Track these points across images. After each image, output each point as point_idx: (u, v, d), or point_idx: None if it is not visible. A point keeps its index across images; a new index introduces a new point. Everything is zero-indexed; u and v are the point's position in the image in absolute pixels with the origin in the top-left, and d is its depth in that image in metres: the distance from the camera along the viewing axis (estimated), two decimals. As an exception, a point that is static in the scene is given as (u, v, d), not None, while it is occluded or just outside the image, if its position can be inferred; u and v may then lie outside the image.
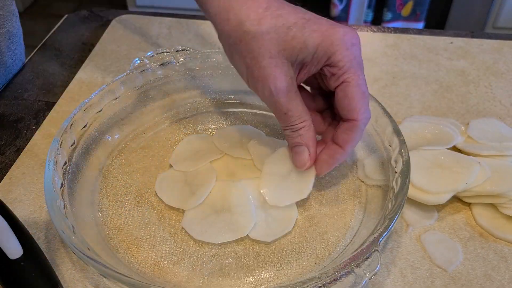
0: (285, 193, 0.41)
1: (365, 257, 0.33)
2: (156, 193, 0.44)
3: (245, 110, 0.53)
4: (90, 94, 0.46)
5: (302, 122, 0.39)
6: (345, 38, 0.36)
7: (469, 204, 0.43)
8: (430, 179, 0.42)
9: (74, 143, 0.43)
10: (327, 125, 0.42)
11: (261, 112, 0.52)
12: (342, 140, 0.39)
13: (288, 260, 0.39)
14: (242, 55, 0.38)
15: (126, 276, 0.32)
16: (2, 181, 0.45)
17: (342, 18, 1.56)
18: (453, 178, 0.42)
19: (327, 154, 0.40)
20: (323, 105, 0.43)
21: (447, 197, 0.41)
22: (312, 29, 0.36)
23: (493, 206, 0.42)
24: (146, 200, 0.44)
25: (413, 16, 1.58)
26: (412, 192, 0.42)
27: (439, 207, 0.43)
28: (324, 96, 0.43)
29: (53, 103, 0.54)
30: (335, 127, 0.40)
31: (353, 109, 0.37)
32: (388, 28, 0.68)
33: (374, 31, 0.67)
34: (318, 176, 0.41)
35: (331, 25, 0.37)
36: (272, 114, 0.52)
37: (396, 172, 0.39)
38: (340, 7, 1.54)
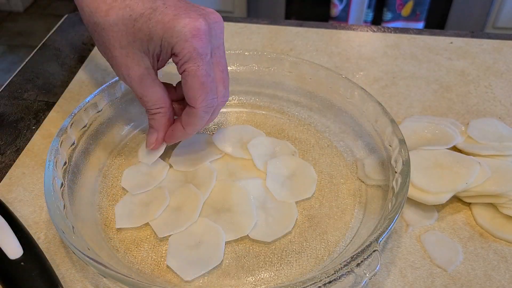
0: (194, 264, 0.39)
1: (365, 257, 0.33)
2: (156, 193, 0.44)
3: (245, 110, 0.53)
4: (90, 94, 0.46)
5: (157, 108, 0.42)
6: (185, 29, 0.37)
7: (469, 204, 0.43)
8: (430, 179, 0.42)
9: (74, 143, 0.43)
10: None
11: (261, 112, 0.52)
12: (184, 121, 0.41)
13: (288, 260, 0.39)
14: (99, 44, 0.40)
15: (126, 276, 0.32)
16: (2, 181, 0.45)
17: (342, 18, 1.56)
18: (453, 178, 0.42)
19: (171, 129, 0.43)
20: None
21: (447, 197, 0.41)
22: (156, 21, 0.37)
23: (493, 206, 0.42)
24: (146, 200, 0.43)
25: (413, 16, 1.58)
26: (412, 192, 0.42)
27: (439, 207, 0.43)
28: None
29: (53, 103, 0.54)
30: None
31: (191, 98, 0.39)
32: (388, 28, 0.68)
33: (374, 31, 0.67)
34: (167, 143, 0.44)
35: (174, 16, 0.37)
36: (272, 114, 0.52)
37: (396, 172, 0.39)
38: (340, 7, 1.54)
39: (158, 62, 0.40)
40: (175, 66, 0.39)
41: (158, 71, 0.42)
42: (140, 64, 0.39)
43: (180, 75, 0.39)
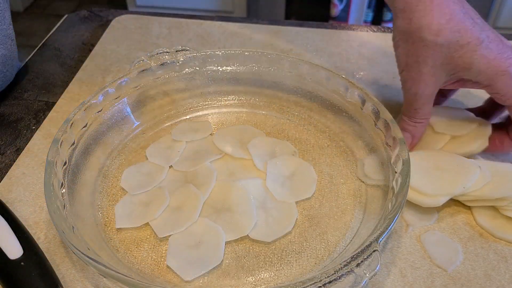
0: (195, 264, 0.38)
1: (365, 257, 0.33)
2: (156, 193, 0.44)
3: (245, 110, 0.53)
4: (90, 94, 0.46)
5: (423, 119, 0.44)
6: (510, 69, 0.39)
7: (469, 204, 0.43)
8: (427, 181, 0.42)
9: (74, 143, 0.43)
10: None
11: (261, 112, 0.52)
12: None
13: (288, 260, 0.39)
14: (409, 53, 0.41)
15: (126, 276, 0.32)
16: (2, 181, 0.45)
17: (342, 18, 1.56)
18: (451, 182, 0.41)
19: (499, 140, 0.45)
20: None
21: (443, 200, 0.41)
22: (482, 54, 0.39)
23: (493, 206, 0.42)
24: (146, 200, 0.43)
25: (413, 16, 1.57)
26: (408, 193, 0.41)
27: (439, 208, 0.43)
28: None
29: (53, 103, 0.54)
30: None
31: None
32: (388, 28, 0.68)
33: (374, 31, 0.67)
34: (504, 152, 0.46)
35: (499, 54, 0.39)
36: (272, 114, 0.52)
37: (396, 172, 0.39)
38: (340, 7, 1.54)
39: (451, 83, 0.42)
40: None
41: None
42: (437, 84, 0.41)
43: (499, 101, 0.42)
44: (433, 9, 0.39)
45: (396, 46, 0.43)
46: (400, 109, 0.54)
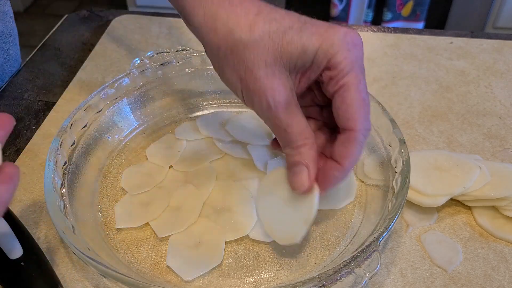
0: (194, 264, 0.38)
1: (365, 257, 0.33)
2: (156, 193, 0.44)
3: (245, 110, 0.53)
4: (90, 94, 0.46)
5: (303, 139, 0.35)
6: (347, 38, 0.33)
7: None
8: (427, 181, 0.42)
9: (74, 143, 0.43)
10: (325, 142, 0.38)
11: (261, 112, 0.52)
12: (339, 154, 0.34)
13: (288, 260, 0.39)
14: (235, 68, 0.34)
15: (126, 276, 0.32)
16: (2, 181, 0.45)
17: (342, 18, 1.56)
18: (450, 182, 0.41)
19: (323, 172, 0.35)
20: (319, 119, 0.39)
21: (443, 200, 0.41)
22: (310, 32, 0.33)
23: (493, 206, 0.42)
24: (146, 200, 0.43)
25: (413, 16, 1.58)
26: (408, 193, 0.41)
27: (439, 207, 0.43)
28: (320, 111, 0.39)
29: (53, 103, 0.54)
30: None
31: (351, 117, 0.33)
32: (388, 28, 0.68)
33: (374, 31, 0.67)
34: (321, 194, 0.36)
35: (330, 27, 0.33)
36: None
37: (396, 172, 0.39)
38: (340, 7, 1.54)
39: (299, 84, 0.35)
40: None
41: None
42: (286, 86, 0.34)
43: (329, 93, 0.34)
44: (236, 8, 0.33)
45: (221, 72, 0.36)
46: (400, 109, 0.54)
